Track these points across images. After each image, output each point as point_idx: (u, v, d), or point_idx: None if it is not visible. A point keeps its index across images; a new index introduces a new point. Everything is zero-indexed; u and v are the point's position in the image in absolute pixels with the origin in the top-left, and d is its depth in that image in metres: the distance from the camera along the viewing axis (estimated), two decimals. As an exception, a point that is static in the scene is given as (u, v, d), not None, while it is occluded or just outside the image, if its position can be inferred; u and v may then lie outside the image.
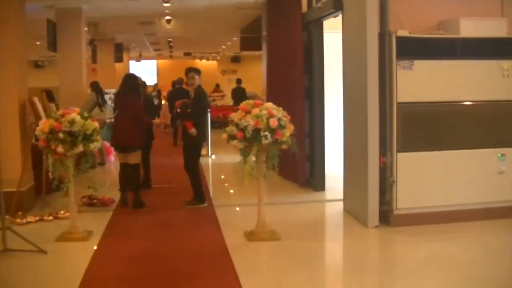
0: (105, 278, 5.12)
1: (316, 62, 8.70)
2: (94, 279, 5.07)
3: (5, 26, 7.43)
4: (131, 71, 21.82)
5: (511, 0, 6.96)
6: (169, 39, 22.13)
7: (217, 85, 25.82)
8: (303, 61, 8.82)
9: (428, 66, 6.50)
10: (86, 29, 13.58)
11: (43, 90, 9.13)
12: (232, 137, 5.97)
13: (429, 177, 6.54)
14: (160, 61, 32.99)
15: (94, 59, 18.38)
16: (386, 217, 6.52)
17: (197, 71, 7.84)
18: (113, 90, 12.87)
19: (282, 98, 8.91)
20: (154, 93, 19.29)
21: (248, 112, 5.89)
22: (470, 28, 6.54)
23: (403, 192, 6.48)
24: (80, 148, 6.04)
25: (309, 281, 5.04)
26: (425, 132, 6.54)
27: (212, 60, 32.45)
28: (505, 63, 6.62)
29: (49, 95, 10.00)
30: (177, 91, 14.35)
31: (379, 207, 6.49)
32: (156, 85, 25.00)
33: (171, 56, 30.62)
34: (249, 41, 16.46)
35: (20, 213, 7.14)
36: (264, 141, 5.77)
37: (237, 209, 8.05)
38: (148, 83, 12.38)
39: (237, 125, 5.90)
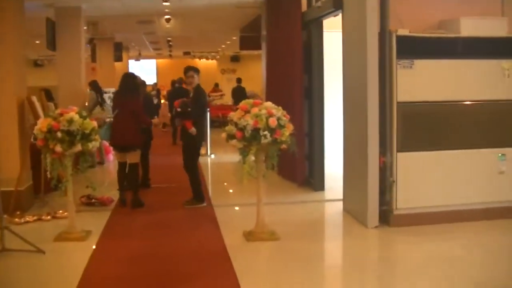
0: (104, 278, 5.10)
1: (316, 62, 8.68)
2: (93, 279, 5.05)
3: (4, 24, 7.40)
4: (131, 70, 21.85)
5: (511, -1, 6.96)
6: (169, 38, 22.12)
7: (216, 84, 25.82)
8: (302, 61, 8.80)
9: (429, 65, 6.48)
10: (85, 28, 13.56)
11: (42, 89, 9.12)
12: (231, 136, 5.95)
13: (429, 177, 6.52)
14: (160, 60, 32.99)
15: (93, 58, 18.36)
16: (386, 217, 6.50)
17: (196, 70, 7.81)
18: (113, 89, 12.87)
19: (282, 98, 8.89)
20: (154, 92, 19.27)
21: (247, 112, 5.86)
22: (471, 27, 6.52)
23: (403, 192, 6.45)
24: (78, 148, 6.02)
25: (308, 281, 5.02)
26: (425, 132, 6.52)
27: (212, 59, 32.43)
28: (505, 63, 6.60)
29: (48, 94, 9.99)
30: (177, 91, 14.33)
31: (379, 207, 6.47)
32: (155, 84, 24.97)
33: (170, 56, 30.62)
34: (249, 41, 16.45)
35: (18, 212, 7.12)
36: (264, 141, 5.74)
37: (236, 208, 8.02)
38: (147, 83, 12.36)
39: (236, 124, 5.88)
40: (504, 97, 6.66)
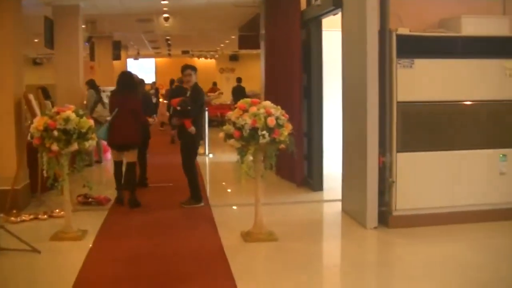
0: (100, 278, 5.06)
1: (315, 61, 8.64)
2: (88, 279, 5.00)
3: (2, 23, 7.38)
4: (129, 69, 21.85)
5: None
6: (167, 37, 22.10)
7: (214, 83, 25.82)
8: (301, 60, 8.77)
9: (429, 65, 6.43)
10: (83, 26, 13.52)
11: (39, 87, 9.07)
12: (229, 136, 5.90)
13: (429, 178, 6.47)
14: (159, 59, 32.98)
15: (92, 57, 18.33)
16: (385, 218, 6.45)
17: (194, 68, 7.79)
18: (111, 88, 12.82)
19: (280, 97, 8.87)
20: (152, 91, 19.24)
21: (245, 111, 5.81)
22: (472, 26, 6.47)
23: (402, 193, 6.41)
24: (75, 147, 5.98)
25: (306, 283, 4.97)
26: (426, 132, 6.47)
27: (211, 58, 32.43)
28: (507, 62, 6.55)
29: (45, 92, 9.93)
30: (177, 90, 14.28)
31: (378, 208, 6.43)
32: (154, 83, 24.95)
33: (169, 55, 30.62)
34: (248, 40, 16.45)
35: (14, 211, 7.08)
36: (262, 141, 5.70)
37: (234, 208, 7.99)
38: (146, 81, 12.31)
39: (234, 124, 5.82)
40: (506, 97, 6.61)
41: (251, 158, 5.90)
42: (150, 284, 4.94)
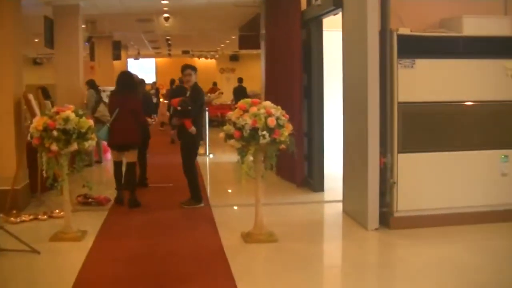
0: (99, 279, 5.04)
1: (315, 61, 8.62)
2: (88, 280, 4.98)
3: (1, 22, 7.36)
4: (130, 69, 21.84)
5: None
6: (168, 37, 22.10)
7: (215, 84, 25.80)
8: (302, 60, 8.75)
9: (430, 65, 6.40)
10: (83, 26, 13.51)
11: (38, 87, 9.06)
12: (229, 136, 5.88)
13: (431, 178, 6.44)
14: (159, 59, 32.98)
15: (92, 57, 18.31)
16: (386, 219, 6.43)
17: (194, 68, 7.77)
18: (111, 88, 12.80)
19: (281, 97, 8.85)
20: (153, 91, 19.24)
21: (246, 111, 5.79)
22: (473, 26, 6.44)
23: (403, 194, 6.38)
24: (74, 147, 5.95)
25: (306, 283, 4.95)
26: (427, 132, 6.45)
27: (211, 58, 32.44)
28: (508, 63, 6.52)
29: (45, 92, 9.91)
30: (177, 90, 14.27)
31: (379, 209, 6.40)
32: (154, 83, 24.95)
33: (169, 55, 30.62)
34: (248, 40, 16.45)
35: (14, 211, 7.06)
36: (262, 141, 5.67)
37: (235, 209, 7.97)
38: (146, 81, 12.31)
39: (234, 124, 5.80)
40: (507, 98, 6.58)
41: (251, 158, 5.88)
42: (150, 284, 4.92)
